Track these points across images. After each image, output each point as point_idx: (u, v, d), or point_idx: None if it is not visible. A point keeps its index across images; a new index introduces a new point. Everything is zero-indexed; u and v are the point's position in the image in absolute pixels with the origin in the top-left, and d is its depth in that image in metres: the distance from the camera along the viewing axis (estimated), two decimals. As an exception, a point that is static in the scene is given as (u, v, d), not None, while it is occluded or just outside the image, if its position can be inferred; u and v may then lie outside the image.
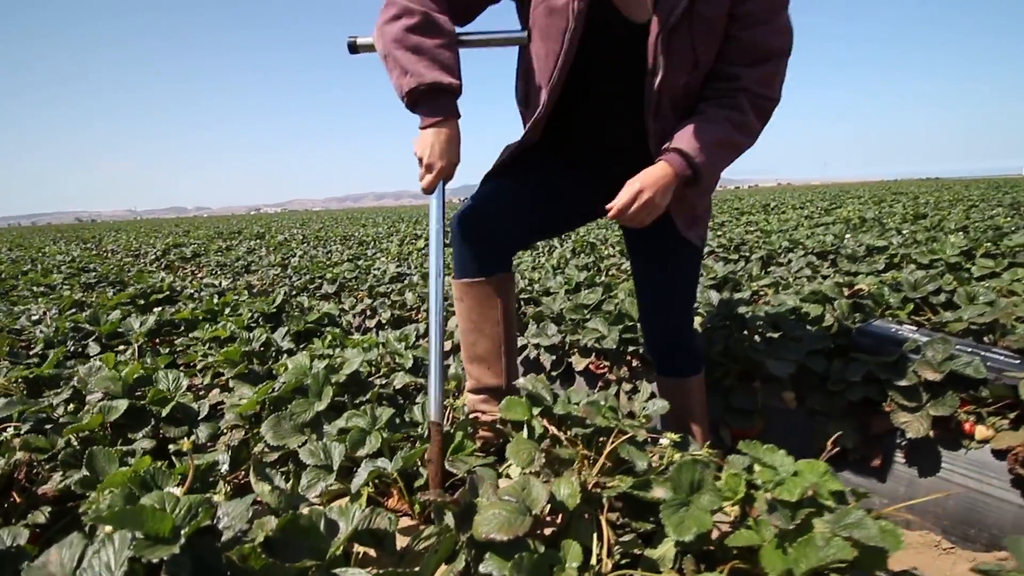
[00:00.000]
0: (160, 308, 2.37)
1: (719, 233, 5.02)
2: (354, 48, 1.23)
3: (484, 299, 1.33)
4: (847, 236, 3.76)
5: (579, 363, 2.30)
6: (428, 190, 1.12)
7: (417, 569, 0.71)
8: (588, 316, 2.41)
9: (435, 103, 1.08)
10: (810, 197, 15.01)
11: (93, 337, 1.98)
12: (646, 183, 1.13)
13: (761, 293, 2.46)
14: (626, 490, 0.79)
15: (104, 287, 4.21)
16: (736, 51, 1.14)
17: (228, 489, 0.97)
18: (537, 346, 2.46)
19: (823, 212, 8.44)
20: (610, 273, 3.85)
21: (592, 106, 1.29)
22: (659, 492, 0.79)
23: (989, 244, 2.75)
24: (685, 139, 1.14)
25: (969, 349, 1.45)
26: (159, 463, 0.90)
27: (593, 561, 0.78)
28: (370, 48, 1.21)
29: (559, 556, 0.72)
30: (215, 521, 0.67)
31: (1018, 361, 1.39)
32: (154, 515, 0.60)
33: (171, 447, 1.05)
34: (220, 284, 3.96)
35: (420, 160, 1.10)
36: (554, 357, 2.41)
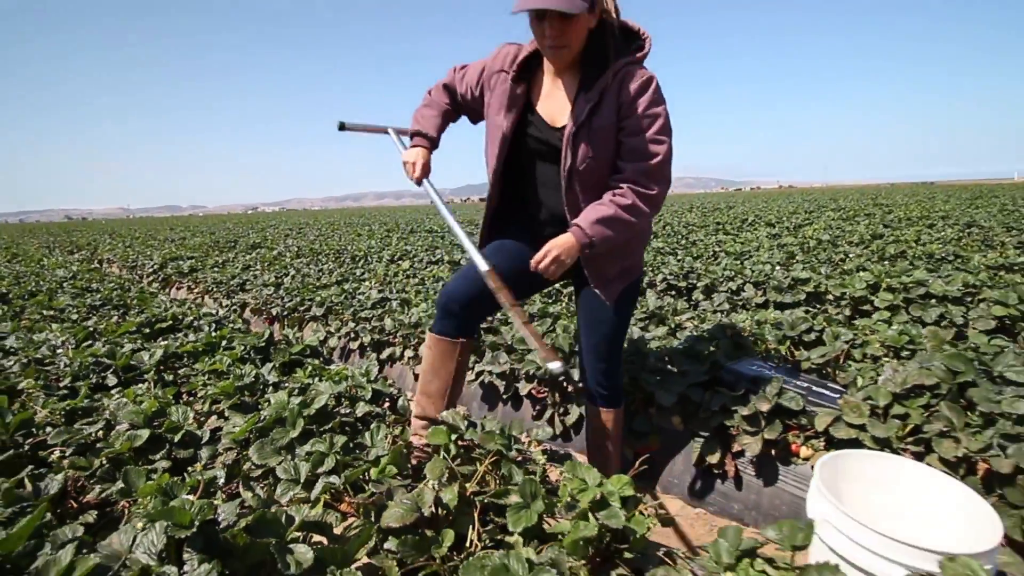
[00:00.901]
0: (166, 342, 2.75)
1: (679, 258, 5.44)
2: (342, 127, 1.94)
3: (445, 353, 1.76)
4: (778, 266, 4.18)
5: (524, 388, 2.69)
6: (417, 182, 1.79)
7: (346, 548, 1.10)
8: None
9: (419, 140, 1.80)
10: (794, 208, 15.23)
11: (111, 370, 2.37)
12: (555, 244, 1.55)
13: (684, 327, 2.86)
14: (489, 497, 1.19)
15: (109, 309, 4.58)
16: (623, 151, 1.54)
17: (224, 497, 1.36)
18: (491, 373, 2.85)
19: (793, 229, 8.82)
20: (571, 299, 4.24)
21: (536, 185, 1.70)
22: (513, 498, 1.18)
23: (889, 280, 3.16)
24: (583, 216, 1.54)
25: (805, 385, 1.86)
26: (175, 478, 1.29)
27: (468, 544, 1.17)
28: (355, 128, 1.95)
29: (438, 539, 1.11)
30: (216, 515, 1.06)
31: (837, 396, 1.80)
32: (180, 512, 0.99)
33: (187, 470, 1.44)
34: (217, 311, 4.32)
35: (406, 163, 1.79)
36: (505, 383, 2.80)
